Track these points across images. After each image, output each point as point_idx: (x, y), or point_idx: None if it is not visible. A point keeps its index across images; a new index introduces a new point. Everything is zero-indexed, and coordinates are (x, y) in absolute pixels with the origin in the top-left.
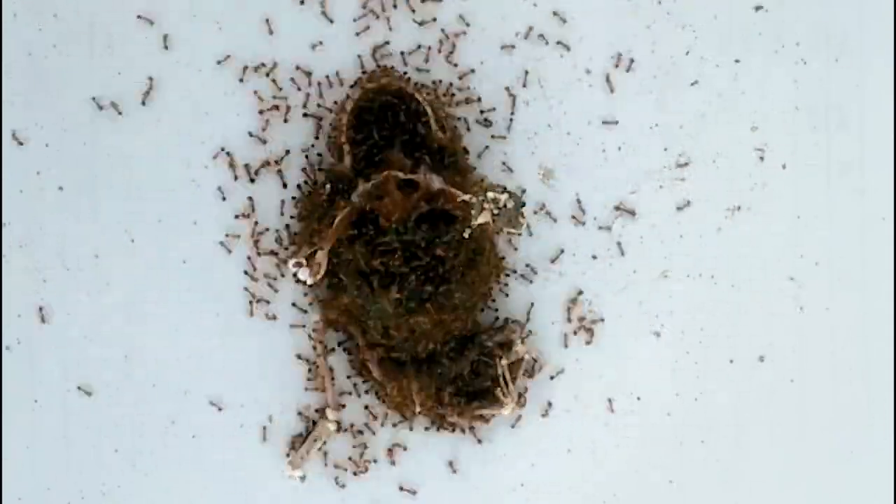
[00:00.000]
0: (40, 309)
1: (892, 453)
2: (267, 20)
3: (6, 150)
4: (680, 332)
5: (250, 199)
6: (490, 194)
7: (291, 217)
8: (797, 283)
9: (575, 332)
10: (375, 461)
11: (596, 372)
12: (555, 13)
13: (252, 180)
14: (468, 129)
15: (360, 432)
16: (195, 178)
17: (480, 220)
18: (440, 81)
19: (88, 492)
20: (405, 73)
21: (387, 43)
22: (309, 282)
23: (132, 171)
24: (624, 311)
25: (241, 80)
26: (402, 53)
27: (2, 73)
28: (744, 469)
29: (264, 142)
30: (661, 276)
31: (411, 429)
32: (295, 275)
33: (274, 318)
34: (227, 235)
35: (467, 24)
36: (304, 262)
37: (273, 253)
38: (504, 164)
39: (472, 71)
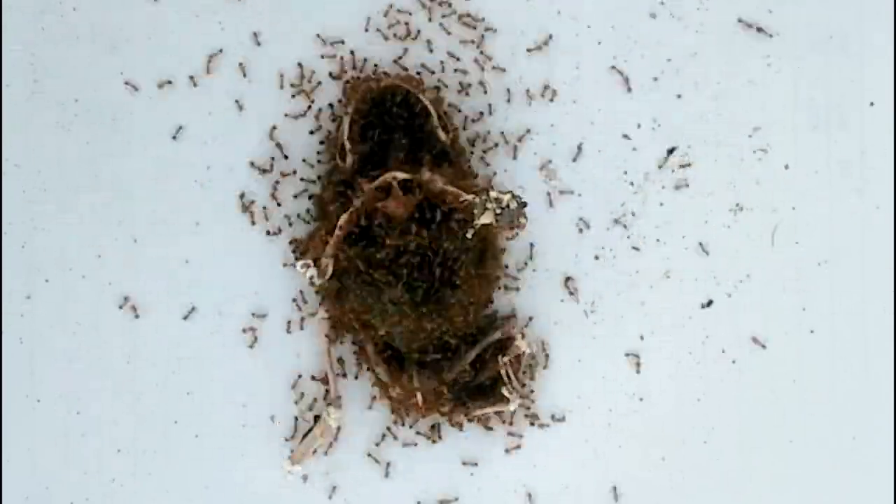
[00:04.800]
0: (42, 308)
1: (892, 452)
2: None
3: (6, 149)
4: (682, 333)
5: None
6: (492, 194)
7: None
8: (799, 283)
9: (579, 332)
10: (377, 461)
11: (598, 372)
12: (557, 13)
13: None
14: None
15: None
16: (197, 178)
17: (483, 220)
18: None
19: (91, 491)
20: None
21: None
22: (317, 282)
23: (133, 170)
24: (626, 311)
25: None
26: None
27: (2, 73)
28: (747, 469)
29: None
30: (663, 277)
31: (411, 426)
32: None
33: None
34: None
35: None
36: (311, 262)
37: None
38: (506, 163)
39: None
